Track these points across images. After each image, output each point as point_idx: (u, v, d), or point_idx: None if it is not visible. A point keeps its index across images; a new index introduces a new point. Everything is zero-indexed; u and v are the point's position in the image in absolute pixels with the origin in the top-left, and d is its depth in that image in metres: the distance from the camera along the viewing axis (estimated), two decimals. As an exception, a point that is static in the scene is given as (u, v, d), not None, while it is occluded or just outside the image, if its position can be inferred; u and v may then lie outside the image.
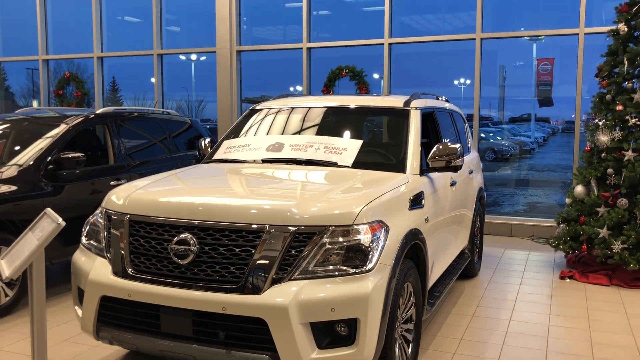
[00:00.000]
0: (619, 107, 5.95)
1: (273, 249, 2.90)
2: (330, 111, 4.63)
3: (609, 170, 5.94)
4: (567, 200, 6.44)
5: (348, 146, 4.11)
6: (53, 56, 11.50)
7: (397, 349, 3.35)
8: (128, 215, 3.25)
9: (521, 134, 11.39)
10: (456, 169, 4.10)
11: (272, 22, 10.86)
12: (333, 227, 2.95)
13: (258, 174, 3.96)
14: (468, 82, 9.22)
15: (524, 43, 8.92)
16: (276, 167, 4.05)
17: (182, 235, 3.03)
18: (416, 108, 4.46)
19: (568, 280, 6.01)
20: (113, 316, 3.18)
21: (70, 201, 5.37)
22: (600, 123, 6.10)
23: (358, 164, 3.98)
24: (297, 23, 9.64)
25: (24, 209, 4.97)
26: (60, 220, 3.27)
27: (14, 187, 4.96)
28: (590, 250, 6.04)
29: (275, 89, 10.79)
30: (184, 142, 7.38)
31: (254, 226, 2.95)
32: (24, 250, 3.25)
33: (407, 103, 4.49)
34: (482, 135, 11.41)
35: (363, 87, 9.15)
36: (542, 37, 8.57)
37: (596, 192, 6.04)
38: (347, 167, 3.96)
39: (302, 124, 4.56)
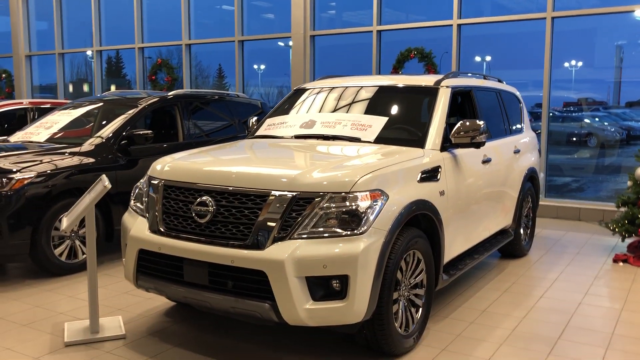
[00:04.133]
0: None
1: (276, 212, 3.25)
2: (365, 90, 4.88)
3: (670, 152, 5.71)
4: (629, 183, 6.25)
5: (373, 123, 4.37)
6: (146, 44, 12.51)
7: (400, 310, 3.60)
8: (163, 181, 3.74)
9: (633, 119, 10.85)
10: (479, 145, 4.25)
11: (363, 6, 11.09)
12: (331, 193, 3.25)
13: (282, 147, 4.34)
14: (580, 64, 8.94)
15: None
16: (302, 142, 4.39)
17: (203, 198, 3.46)
18: (447, 86, 4.61)
19: (621, 264, 5.86)
20: (148, 267, 3.69)
21: (140, 174, 6.00)
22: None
23: (380, 139, 4.23)
24: (387, 5, 9.76)
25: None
26: (107, 182, 3.83)
27: (92, 160, 5.67)
28: (647, 234, 5.85)
29: (349, 73, 10.99)
30: (254, 123, 7.88)
31: (261, 191, 3.32)
32: (79, 208, 3.84)
33: (438, 82, 4.65)
34: (587, 120, 10.94)
35: (431, 69, 9.21)
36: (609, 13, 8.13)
37: (656, 174, 5.83)
38: (370, 142, 4.22)
39: (337, 103, 4.85)
